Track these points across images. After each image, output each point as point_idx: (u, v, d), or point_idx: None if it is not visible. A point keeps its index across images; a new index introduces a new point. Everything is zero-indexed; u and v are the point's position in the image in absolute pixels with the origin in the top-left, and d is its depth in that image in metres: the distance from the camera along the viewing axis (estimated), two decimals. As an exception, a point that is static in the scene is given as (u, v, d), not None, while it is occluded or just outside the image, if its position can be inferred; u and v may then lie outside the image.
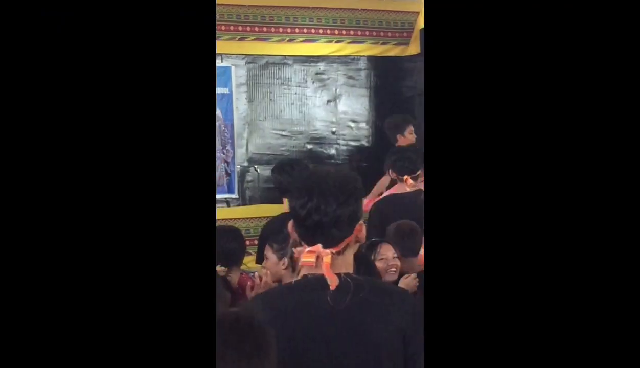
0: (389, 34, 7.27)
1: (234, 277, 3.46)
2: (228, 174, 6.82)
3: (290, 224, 1.91)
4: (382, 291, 1.92)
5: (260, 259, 4.12)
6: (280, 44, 6.92)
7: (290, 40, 6.95)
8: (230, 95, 6.75)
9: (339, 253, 1.83)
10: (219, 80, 6.28)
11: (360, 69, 7.31)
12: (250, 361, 1.39)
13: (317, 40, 7.03)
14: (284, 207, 4.27)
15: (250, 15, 6.74)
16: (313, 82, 7.15)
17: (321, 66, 7.16)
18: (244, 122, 6.88)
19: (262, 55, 6.89)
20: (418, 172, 4.22)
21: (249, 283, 3.45)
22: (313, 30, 7.00)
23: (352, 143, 7.34)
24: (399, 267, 3.46)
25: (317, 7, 6.96)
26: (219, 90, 6.43)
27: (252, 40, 6.79)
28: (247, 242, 4.14)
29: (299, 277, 1.95)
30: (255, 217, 6.56)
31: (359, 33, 7.15)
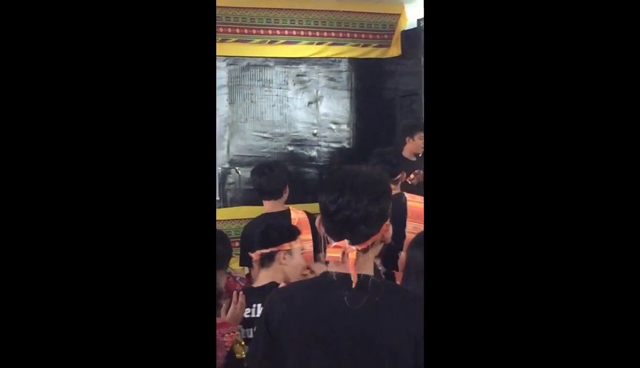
0: (370, 36, 7.29)
1: (221, 280, 3.46)
2: (209, 176, 6.79)
3: (317, 219, 1.96)
4: (397, 295, 1.91)
5: (244, 262, 4.12)
6: (262, 46, 6.91)
7: (271, 42, 6.94)
8: (211, 96, 6.72)
9: (364, 251, 1.85)
10: (199, 82, 6.26)
11: (341, 71, 7.33)
12: None
13: (299, 42, 7.03)
14: (264, 208, 4.27)
15: (231, 17, 6.72)
16: (294, 84, 7.15)
17: (302, 68, 7.16)
18: (225, 124, 6.87)
19: (243, 57, 6.88)
20: (398, 176, 4.23)
21: (237, 287, 3.45)
22: (294, 32, 7.00)
23: (333, 145, 7.35)
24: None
25: (298, 9, 6.96)
26: (199, 92, 6.40)
27: (234, 41, 6.78)
28: (229, 245, 4.15)
29: (318, 273, 1.98)
30: (237, 219, 6.55)
31: (340, 35, 7.16)
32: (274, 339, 1.91)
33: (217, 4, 6.46)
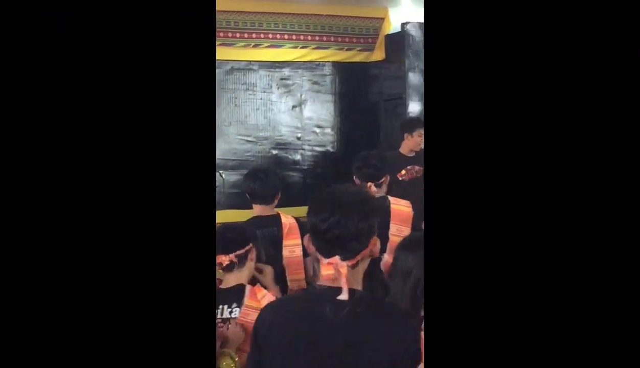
0: (354, 40, 7.30)
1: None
2: (193, 180, 6.77)
3: (306, 239, 2.01)
4: (382, 309, 1.99)
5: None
6: (245, 50, 6.90)
7: (255, 46, 6.93)
8: (195, 100, 6.70)
9: (353, 266, 1.94)
10: (183, 85, 6.24)
11: (325, 75, 7.33)
12: None
13: (283, 45, 7.02)
14: (253, 212, 4.25)
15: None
16: (278, 88, 7.15)
17: (286, 72, 7.16)
18: (209, 128, 6.84)
19: (227, 61, 6.87)
20: (382, 179, 4.23)
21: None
22: (278, 36, 6.99)
23: (318, 148, 7.35)
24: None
25: (282, 13, 6.96)
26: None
27: (218, 45, 6.76)
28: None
29: (308, 287, 2.01)
30: (221, 223, 6.53)
31: (324, 39, 7.17)
32: (261, 350, 1.97)
33: (201, 7, 6.46)
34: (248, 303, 3.12)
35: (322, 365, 1.86)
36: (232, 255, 3.26)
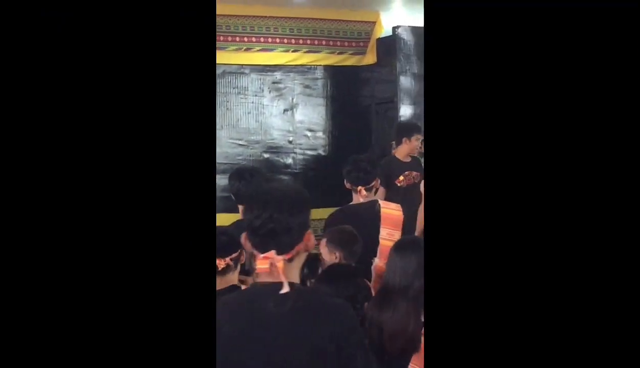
0: (346, 44, 7.31)
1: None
2: (184, 183, 6.76)
3: (243, 236, 2.05)
4: (320, 300, 2.07)
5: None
6: (237, 53, 6.91)
7: (247, 49, 6.93)
8: (186, 104, 6.69)
9: (290, 260, 1.99)
10: (174, 89, 6.25)
11: (317, 78, 7.33)
12: None
13: (274, 49, 7.03)
14: (240, 215, 4.24)
15: (206, 24, 6.71)
16: (270, 91, 7.15)
17: (278, 75, 7.16)
18: (200, 131, 6.84)
19: (218, 64, 6.86)
20: (372, 183, 4.23)
21: None
22: (270, 40, 7.00)
23: (309, 152, 7.35)
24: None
25: (274, 17, 6.96)
26: (174, 99, 6.39)
27: (209, 48, 6.76)
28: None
29: (249, 285, 2.03)
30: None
31: (316, 42, 7.18)
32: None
33: (192, 11, 6.45)
34: None
35: (270, 360, 1.91)
36: (227, 259, 3.25)
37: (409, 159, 5.81)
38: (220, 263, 3.25)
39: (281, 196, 2.00)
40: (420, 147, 6.64)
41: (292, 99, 7.24)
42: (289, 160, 7.28)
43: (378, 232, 4.03)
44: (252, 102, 7.08)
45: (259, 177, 4.27)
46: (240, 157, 7.01)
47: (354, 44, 7.33)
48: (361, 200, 4.18)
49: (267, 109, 7.14)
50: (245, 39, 6.90)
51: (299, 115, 7.27)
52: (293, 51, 7.08)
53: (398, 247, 2.97)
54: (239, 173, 4.34)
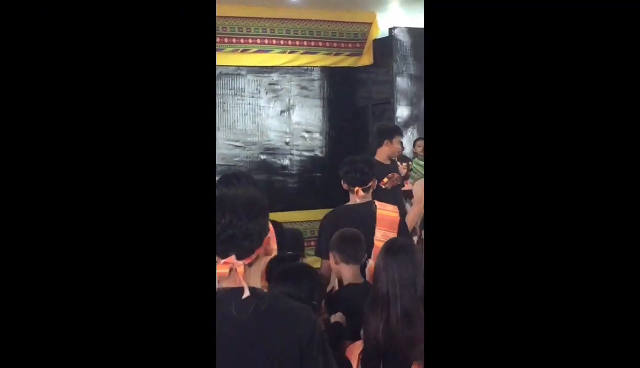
0: (342, 45, 7.32)
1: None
2: (181, 185, 6.76)
3: None
4: (281, 305, 2.08)
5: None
6: (234, 55, 6.91)
7: (243, 51, 6.94)
8: (183, 105, 6.70)
9: (250, 264, 2.01)
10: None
11: (313, 80, 7.34)
12: None
13: (271, 50, 7.03)
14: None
15: (203, 26, 6.71)
16: (266, 93, 7.16)
17: (275, 77, 7.17)
18: (197, 133, 6.83)
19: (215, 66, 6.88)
20: (369, 184, 4.22)
21: None
22: (266, 41, 7.00)
23: (306, 153, 7.35)
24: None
25: (270, 18, 6.97)
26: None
27: (206, 50, 6.76)
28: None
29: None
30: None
31: (313, 44, 7.18)
32: None
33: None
34: None
35: (233, 365, 1.92)
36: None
37: (389, 161, 5.81)
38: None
39: (239, 202, 2.01)
40: (416, 148, 6.65)
41: (289, 100, 7.25)
42: (286, 162, 7.28)
43: (373, 233, 4.01)
44: (249, 104, 7.09)
45: (246, 181, 4.25)
46: (237, 159, 7.02)
47: (350, 45, 7.34)
48: (358, 201, 4.16)
49: (263, 111, 7.15)
50: (242, 41, 6.91)
51: (296, 116, 7.28)
52: (290, 52, 7.08)
53: (388, 249, 2.96)
54: (227, 178, 4.32)
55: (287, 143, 7.25)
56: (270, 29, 7.00)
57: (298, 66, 7.20)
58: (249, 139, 7.08)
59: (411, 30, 6.87)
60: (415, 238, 4.67)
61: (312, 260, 4.05)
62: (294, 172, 7.26)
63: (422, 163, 5.91)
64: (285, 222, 4.30)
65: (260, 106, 7.14)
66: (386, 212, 4.15)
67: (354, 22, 7.30)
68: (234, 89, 7.02)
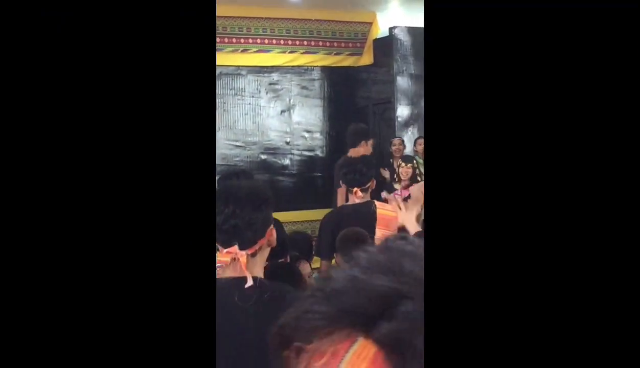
0: (343, 45, 7.32)
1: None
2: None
3: None
4: (283, 293, 2.09)
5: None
6: (234, 55, 6.91)
7: (243, 51, 6.94)
8: (183, 105, 6.71)
9: (253, 255, 2.02)
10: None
11: (314, 79, 7.34)
12: None
13: (271, 50, 7.03)
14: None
15: (203, 26, 6.71)
16: (267, 93, 7.16)
17: (275, 76, 7.17)
18: (197, 133, 6.83)
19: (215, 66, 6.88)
20: (368, 184, 4.24)
21: None
22: (266, 41, 7.00)
23: (306, 153, 7.35)
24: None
25: (270, 18, 6.97)
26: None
27: (206, 50, 6.75)
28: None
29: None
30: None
31: (313, 43, 7.18)
32: None
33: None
34: None
35: (239, 352, 1.95)
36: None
37: None
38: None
39: (243, 193, 2.04)
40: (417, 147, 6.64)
41: (289, 100, 7.25)
42: (286, 161, 7.28)
43: (374, 232, 4.03)
44: (249, 104, 7.09)
45: (247, 178, 4.27)
46: (237, 159, 7.02)
47: (350, 45, 7.34)
48: (357, 201, 4.18)
49: (264, 110, 7.15)
50: (242, 41, 6.91)
51: (296, 116, 7.28)
52: (290, 52, 7.08)
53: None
54: (227, 177, 4.34)
55: (287, 143, 7.26)
56: (271, 29, 7.00)
57: (298, 66, 7.20)
58: (249, 138, 7.09)
59: (411, 30, 6.86)
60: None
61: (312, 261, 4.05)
62: (294, 172, 7.26)
63: (422, 161, 5.90)
64: (286, 222, 4.30)
65: (260, 106, 7.14)
66: (385, 211, 4.17)
67: (354, 22, 7.30)
68: (234, 89, 7.02)
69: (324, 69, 7.31)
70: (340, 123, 7.36)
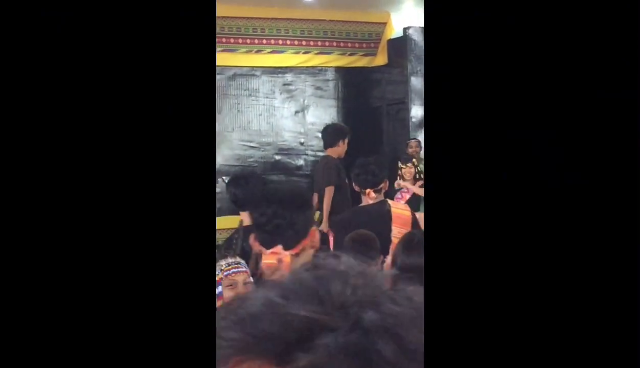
0: (357, 45, 7.31)
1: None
2: (196, 186, 6.80)
3: (252, 237, 2.12)
4: None
5: None
6: (248, 55, 6.92)
7: (257, 51, 6.95)
8: (197, 106, 6.73)
9: (296, 255, 2.00)
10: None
11: (328, 80, 7.34)
12: None
13: (285, 51, 7.04)
14: (243, 220, 4.21)
15: (217, 27, 6.73)
16: (281, 93, 7.16)
17: (289, 77, 7.17)
18: (212, 134, 6.85)
19: (229, 67, 6.87)
20: (381, 185, 4.24)
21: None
22: (281, 42, 7.01)
23: (320, 153, 7.32)
24: None
25: (284, 18, 6.97)
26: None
27: (220, 51, 6.77)
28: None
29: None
30: (224, 229, 6.53)
31: (327, 44, 7.18)
32: None
33: (203, 13, 6.48)
34: None
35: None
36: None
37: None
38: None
39: (285, 194, 2.07)
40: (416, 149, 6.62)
41: (303, 100, 7.25)
42: (301, 162, 7.28)
43: (390, 230, 4.04)
44: (263, 104, 7.10)
45: (255, 180, 4.27)
46: (251, 159, 7.03)
47: (364, 45, 7.33)
48: (370, 202, 4.18)
49: (278, 111, 7.15)
50: (256, 41, 6.92)
51: (310, 116, 7.28)
52: (304, 53, 7.09)
53: (405, 243, 2.96)
54: (235, 180, 4.33)
55: (301, 143, 7.25)
56: (285, 30, 7.00)
57: (312, 66, 7.19)
58: (263, 139, 7.09)
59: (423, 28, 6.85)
60: None
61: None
62: (308, 173, 7.25)
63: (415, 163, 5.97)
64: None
65: (274, 107, 7.14)
66: (399, 210, 4.19)
67: (368, 22, 7.29)
68: (248, 90, 7.03)
69: (338, 69, 7.30)
70: (355, 123, 7.35)
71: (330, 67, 7.28)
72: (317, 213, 5.07)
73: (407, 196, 5.69)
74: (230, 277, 2.86)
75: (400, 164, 5.88)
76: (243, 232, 3.93)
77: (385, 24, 7.32)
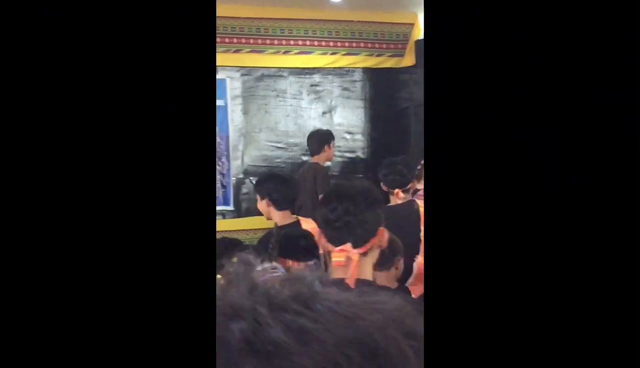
0: (384, 46, 7.28)
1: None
2: (224, 186, 6.83)
3: (317, 233, 2.15)
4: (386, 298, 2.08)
5: None
6: (276, 56, 6.93)
7: (285, 52, 6.96)
8: (225, 107, 6.77)
9: (364, 254, 2.00)
10: (214, 92, 6.32)
11: (355, 81, 7.32)
12: None
13: (312, 52, 7.04)
14: (274, 219, 4.20)
15: (245, 28, 6.76)
16: (308, 94, 7.16)
17: (316, 78, 7.17)
18: (239, 134, 6.89)
19: (257, 67, 6.90)
20: (409, 185, 4.23)
21: None
22: (308, 42, 7.01)
23: (348, 155, 7.34)
24: None
25: (312, 19, 6.98)
26: (214, 102, 6.46)
27: (248, 52, 6.81)
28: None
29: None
30: (251, 229, 6.55)
31: (354, 45, 7.17)
32: None
33: (231, 14, 6.52)
34: None
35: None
36: (310, 263, 3.20)
37: (328, 164, 6.01)
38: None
39: (356, 191, 2.05)
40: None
41: (331, 101, 7.25)
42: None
43: (419, 230, 4.03)
44: (291, 105, 7.11)
45: (289, 181, 4.28)
46: (279, 160, 7.04)
47: (392, 46, 7.30)
48: (399, 202, 4.18)
49: (305, 112, 7.16)
50: (284, 42, 6.93)
51: (338, 117, 7.27)
52: (331, 54, 7.08)
53: None
54: (269, 178, 4.33)
55: (329, 144, 7.26)
56: (312, 31, 7.01)
57: (340, 67, 7.18)
58: (291, 140, 7.10)
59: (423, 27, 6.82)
60: None
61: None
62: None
63: None
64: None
65: (302, 107, 7.15)
66: (427, 209, 4.17)
67: (396, 23, 7.26)
68: (275, 91, 7.05)
69: (366, 70, 7.29)
70: (382, 124, 7.34)
71: (358, 68, 7.26)
72: None
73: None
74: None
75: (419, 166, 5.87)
76: (277, 232, 3.94)
77: (412, 25, 7.30)
